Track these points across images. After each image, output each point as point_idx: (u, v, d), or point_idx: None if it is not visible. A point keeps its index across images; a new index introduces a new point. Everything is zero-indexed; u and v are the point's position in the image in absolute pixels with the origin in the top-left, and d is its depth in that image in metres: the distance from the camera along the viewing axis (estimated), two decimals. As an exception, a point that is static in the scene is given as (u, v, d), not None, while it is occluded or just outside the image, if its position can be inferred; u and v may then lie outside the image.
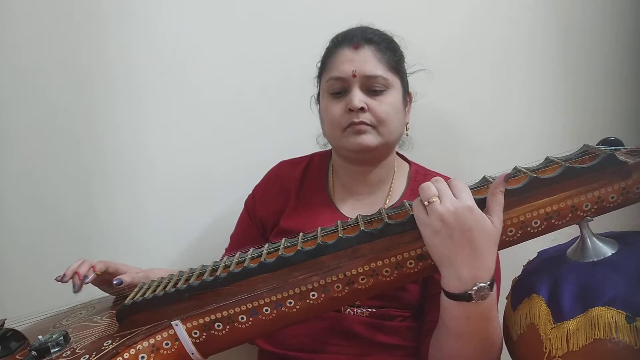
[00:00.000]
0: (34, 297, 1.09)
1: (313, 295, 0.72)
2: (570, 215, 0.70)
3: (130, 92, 1.28)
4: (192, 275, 0.80)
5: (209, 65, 1.28)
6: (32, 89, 1.28)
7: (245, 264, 0.74)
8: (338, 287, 0.71)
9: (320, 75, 1.02)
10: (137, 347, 0.71)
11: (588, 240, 0.72)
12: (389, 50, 0.96)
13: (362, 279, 0.71)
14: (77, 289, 0.92)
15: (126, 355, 0.70)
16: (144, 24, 1.27)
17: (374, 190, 1.02)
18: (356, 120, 0.92)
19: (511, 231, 0.70)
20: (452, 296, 0.69)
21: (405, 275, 0.72)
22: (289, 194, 1.05)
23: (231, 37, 1.28)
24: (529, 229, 0.70)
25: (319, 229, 0.78)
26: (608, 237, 0.75)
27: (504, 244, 0.71)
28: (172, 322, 0.73)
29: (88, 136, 1.29)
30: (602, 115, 1.25)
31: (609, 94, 1.25)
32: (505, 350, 0.78)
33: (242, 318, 0.72)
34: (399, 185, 1.02)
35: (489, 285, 0.67)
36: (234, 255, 0.81)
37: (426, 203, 0.68)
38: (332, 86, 0.96)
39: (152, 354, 0.71)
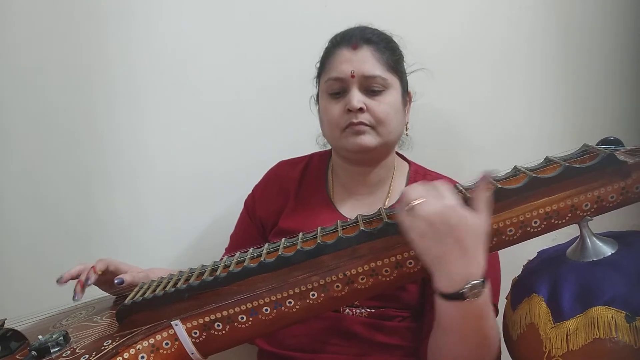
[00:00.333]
0: (34, 297, 1.09)
1: (313, 295, 0.72)
2: (570, 214, 0.70)
3: (130, 92, 1.28)
4: (192, 275, 0.80)
5: (208, 65, 1.28)
6: (32, 89, 1.28)
7: (245, 264, 0.74)
8: (338, 286, 0.71)
9: (319, 76, 1.02)
10: (137, 347, 0.71)
11: (588, 240, 0.72)
12: (388, 50, 0.96)
13: (362, 279, 0.71)
14: (77, 297, 0.91)
15: (126, 355, 0.70)
16: (144, 24, 1.28)
17: (373, 190, 1.02)
18: (355, 120, 0.92)
19: (511, 231, 0.70)
20: (445, 296, 0.68)
21: (405, 275, 0.72)
22: (288, 194, 1.05)
23: (231, 37, 1.28)
24: (528, 228, 0.70)
25: (319, 228, 0.78)
26: (608, 236, 0.75)
27: (503, 243, 0.71)
28: (172, 322, 0.73)
29: (88, 136, 1.29)
30: (602, 115, 1.25)
31: (609, 94, 1.25)
32: (505, 350, 0.79)
33: (242, 318, 0.72)
34: (399, 185, 1.02)
35: (481, 282, 0.67)
36: (233, 255, 0.81)
37: (409, 207, 0.68)
38: (331, 87, 0.96)
39: (152, 353, 0.71)
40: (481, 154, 1.27)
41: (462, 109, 1.27)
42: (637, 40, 1.23)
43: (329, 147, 1.08)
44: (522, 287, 0.77)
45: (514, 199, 0.70)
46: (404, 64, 1.01)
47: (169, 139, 1.30)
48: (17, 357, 0.76)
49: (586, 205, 0.70)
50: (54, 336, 0.74)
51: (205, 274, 0.77)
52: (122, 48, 1.27)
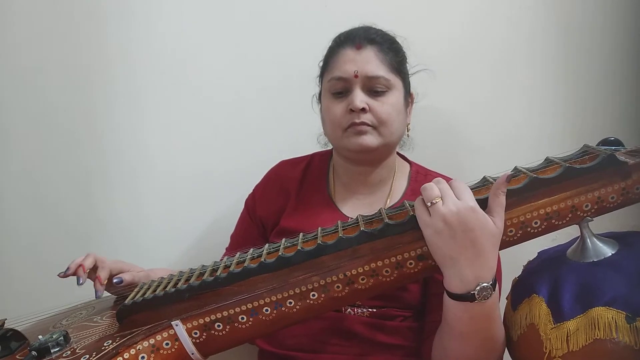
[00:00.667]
0: (34, 297, 1.09)
1: (313, 295, 0.72)
2: (570, 215, 0.70)
3: (130, 92, 1.28)
4: (192, 275, 0.80)
5: (208, 65, 1.28)
6: (32, 89, 1.28)
7: (245, 264, 0.74)
8: (338, 287, 0.71)
9: (322, 75, 1.02)
10: (137, 347, 0.71)
11: (588, 240, 0.73)
12: (392, 51, 0.96)
13: (362, 279, 0.71)
14: (81, 282, 0.88)
15: (126, 355, 0.70)
16: (144, 24, 1.27)
17: (374, 190, 1.02)
18: (357, 120, 0.92)
19: (511, 231, 0.70)
20: (455, 296, 0.69)
21: (405, 275, 0.72)
22: (289, 194, 1.05)
23: (231, 37, 1.28)
24: (529, 229, 0.70)
25: (319, 229, 0.78)
26: (608, 237, 0.75)
27: (504, 244, 0.71)
28: (172, 322, 0.73)
29: (88, 136, 1.29)
30: (602, 115, 1.25)
31: (609, 94, 1.25)
32: (505, 351, 0.79)
33: (242, 318, 0.72)
34: (400, 185, 1.02)
35: (491, 285, 0.68)
36: (234, 256, 0.81)
37: (429, 204, 0.68)
38: (334, 86, 0.96)
39: (152, 354, 0.71)
40: (481, 154, 1.27)
41: (462, 109, 1.27)
42: (637, 40, 1.23)
43: (330, 147, 1.08)
44: (523, 288, 0.77)
45: (515, 199, 0.70)
46: (407, 65, 1.01)
47: (169, 139, 1.30)
48: (17, 357, 0.76)
49: (586, 206, 0.70)
50: (54, 336, 0.74)
51: (206, 274, 0.77)
52: (122, 48, 1.27)
